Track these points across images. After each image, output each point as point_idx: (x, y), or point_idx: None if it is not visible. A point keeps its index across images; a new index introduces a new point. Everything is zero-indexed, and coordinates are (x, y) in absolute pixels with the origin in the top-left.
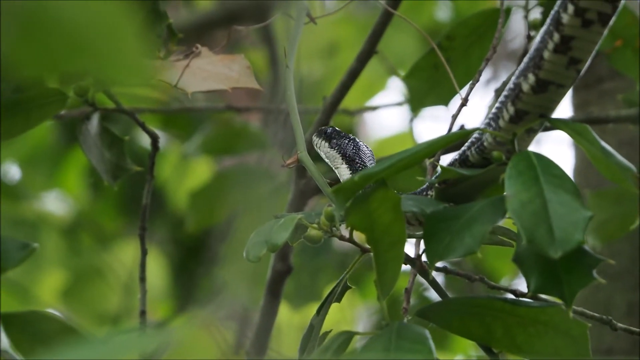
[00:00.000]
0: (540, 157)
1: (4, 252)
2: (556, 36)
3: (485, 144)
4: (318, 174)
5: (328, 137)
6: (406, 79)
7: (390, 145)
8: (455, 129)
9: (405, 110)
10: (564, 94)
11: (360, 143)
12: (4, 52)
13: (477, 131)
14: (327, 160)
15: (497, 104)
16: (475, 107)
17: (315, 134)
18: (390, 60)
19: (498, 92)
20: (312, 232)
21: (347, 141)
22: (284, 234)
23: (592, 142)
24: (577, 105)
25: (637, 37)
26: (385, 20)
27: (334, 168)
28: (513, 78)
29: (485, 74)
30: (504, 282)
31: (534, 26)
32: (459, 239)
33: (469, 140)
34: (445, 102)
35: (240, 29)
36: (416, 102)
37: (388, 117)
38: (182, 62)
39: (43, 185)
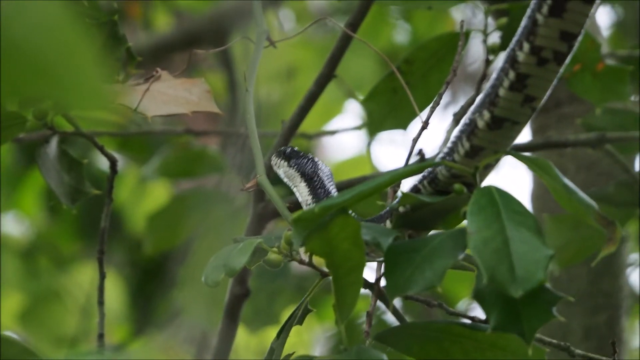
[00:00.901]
0: (502, 193)
1: None
2: (512, 74)
3: (439, 176)
4: (277, 197)
5: (287, 157)
6: (365, 103)
7: (348, 167)
8: (414, 152)
9: (363, 133)
10: (520, 130)
11: (319, 162)
12: None
13: (434, 165)
14: (286, 180)
15: (451, 139)
16: (434, 131)
17: (274, 154)
18: (349, 83)
19: (457, 117)
20: (272, 256)
21: (305, 160)
22: (242, 259)
23: (554, 178)
24: (536, 129)
25: (596, 62)
26: (343, 44)
27: (292, 187)
28: (468, 114)
29: (444, 98)
30: (461, 305)
31: (492, 50)
32: (420, 272)
33: (421, 174)
34: (404, 126)
35: (200, 52)
36: (374, 125)
37: (346, 140)
38: (142, 86)
39: (0, 207)
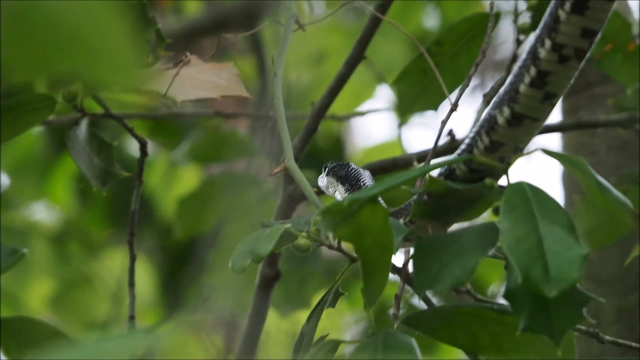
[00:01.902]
0: (535, 190)
1: None
2: (533, 70)
3: (457, 172)
4: (305, 182)
5: (326, 169)
6: (395, 85)
7: (378, 153)
8: (444, 134)
9: (393, 117)
10: (539, 127)
11: (358, 167)
12: None
13: (462, 160)
14: (328, 191)
15: (470, 134)
16: (464, 113)
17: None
18: (378, 67)
19: (487, 98)
20: (301, 241)
21: (342, 167)
22: (269, 245)
23: (588, 176)
24: (567, 110)
25: (628, 42)
26: (373, 25)
27: (332, 192)
28: (488, 109)
29: (472, 81)
30: (491, 289)
31: (523, 30)
32: (448, 269)
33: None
34: (435, 107)
35: (229, 36)
36: (405, 107)
37: (375, 125)
38: (171, 71)
39: (31, 194)
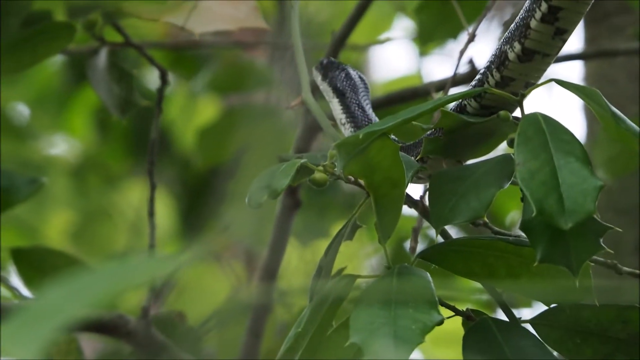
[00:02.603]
0: (549, 121)
1: (13, 186)
2: (544, 6)
3: (468, 109)
4: (322, 114)
5: (322, 70)
6: (415, 13)
7: (397, 86)
8: (463, 64)
9: (412, 48)
10: (550, 63)
11: (355, 75)
12: None
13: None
14: (323, 93)
15: (481, 70)
16: (483, 43)
17: (314, 67)
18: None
19: (506, 25)
20: (317, 175)
21: (339, 73)
22: (285, 180)
23: (603, 107)
24: (587, 39)
25: None
26: None
27: (328, 101)
28: (499, 44)
29: (491, 12)
30: (510, 218)
31: None
32: (465, 202)
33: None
34: (455, 35)
35: None
36: (425, 35)
37: (394, 58)
38: (189, 3)
39: (50, 126)
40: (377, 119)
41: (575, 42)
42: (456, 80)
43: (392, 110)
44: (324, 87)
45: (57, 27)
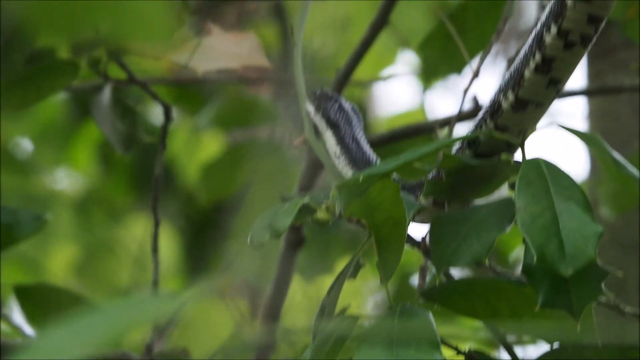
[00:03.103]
0: (550, 166)
1: (17, 223)
2: (538, 56)
3: (466, 152)
4: (324, 154)
5: (315, 101)
6: (420, 49)
7: (401, 121)
8: (467, 100)
9: (416, 83)
10: (544, 112)
11: (347, 106)
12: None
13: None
14: (316, 125)
15: (476, 120)
16: (487, 79)
17: (307, 98)
18: (402, 32)
19: (510, 63)
20: (320, 214)
21: (331, 104)
22: (287, 220)
23: (603, 151)
24: (591, 75)
25: None
26: None
27: (321, 133)
28: (492, 94)
29: (495, 47)
30: (514, 254)
31: None
32: (467, 245)
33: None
34: (459, 71)
35: (251, 3)
36: (429, 71)
37: (398, 92)
38: (192, 41)
39: (54, 160)
40: (371, 151)
41: (579, 77)
42: (461, 117)
43: (396, 146)
44: (317, 119)
45: (61, 65)
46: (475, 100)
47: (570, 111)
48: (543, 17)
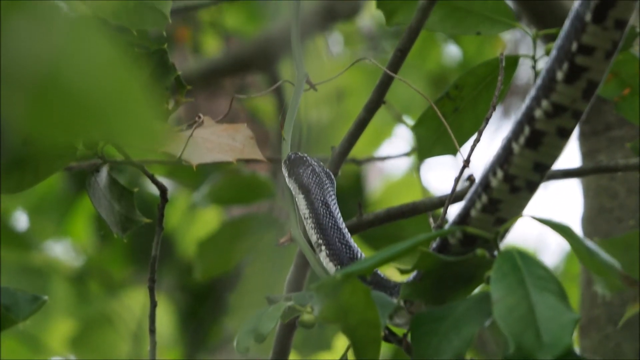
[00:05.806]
0: (525, 257)
1: (16, 304)
2: (484, 197)
3: (451, 242)
4: (310, 252)
5: (289, 166)
6: (414, 128)
7: (398, 189)
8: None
9: (412, 157)
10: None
11: (320, 171)
12: (16, 123)
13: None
14: (290, 189)
15: (456, 214)
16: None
17: (282, 162)
18: (397, 108)
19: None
20: (306, 317)
21: (304, 169)
22: (271, 324)
23: (576, 241)
24: (586, 153)
25: None
26: (392, 70)
27: (294, 196)
28: (465, 199)
29: (496, 114)
30: None
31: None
32: (447, 341)
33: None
34: (454, 152)
35: (242, 97)
36: (424, 151)
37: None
38: (185, 132)
39: (51, 233)
40: (339, 214)
41: (572, 156)
42: (456, 197)
43: (391, 226)
44: (290, 183)
45: (58, 147)
46: (471, 179)
47: (565, 188)
48: (489, 162)
